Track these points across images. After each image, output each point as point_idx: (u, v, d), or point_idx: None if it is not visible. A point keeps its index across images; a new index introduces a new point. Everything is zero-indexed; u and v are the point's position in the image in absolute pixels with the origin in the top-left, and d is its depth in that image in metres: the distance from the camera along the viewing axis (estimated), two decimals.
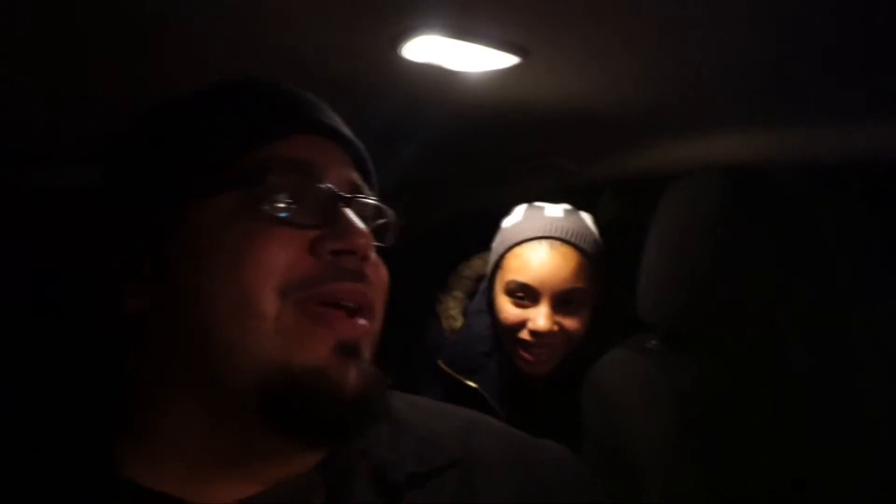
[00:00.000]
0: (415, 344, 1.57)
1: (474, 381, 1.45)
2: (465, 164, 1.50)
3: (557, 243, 1.33)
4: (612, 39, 0.84)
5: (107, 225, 0.60)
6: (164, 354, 0.57)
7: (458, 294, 1.53)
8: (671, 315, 1.13)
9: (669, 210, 1.16)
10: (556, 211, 1.38)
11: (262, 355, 0.53)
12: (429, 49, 0.85)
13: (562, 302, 1.32)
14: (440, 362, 1.47)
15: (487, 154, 1.42)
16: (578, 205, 1.45)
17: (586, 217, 1.40)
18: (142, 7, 0.74)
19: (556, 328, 1.32)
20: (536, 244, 1.33)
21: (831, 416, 1.07)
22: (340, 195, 0.59)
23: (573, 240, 1.33)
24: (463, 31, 0.81)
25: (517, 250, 1.35)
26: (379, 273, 0.61)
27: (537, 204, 1.42)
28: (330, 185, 0.59)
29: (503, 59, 0.89)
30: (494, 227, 1.45)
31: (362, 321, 0.57)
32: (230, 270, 0.53)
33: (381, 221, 0.65)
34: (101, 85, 0.96)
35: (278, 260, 0.54)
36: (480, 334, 1.46)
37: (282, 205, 0.56)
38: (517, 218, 1.41)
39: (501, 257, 1.39)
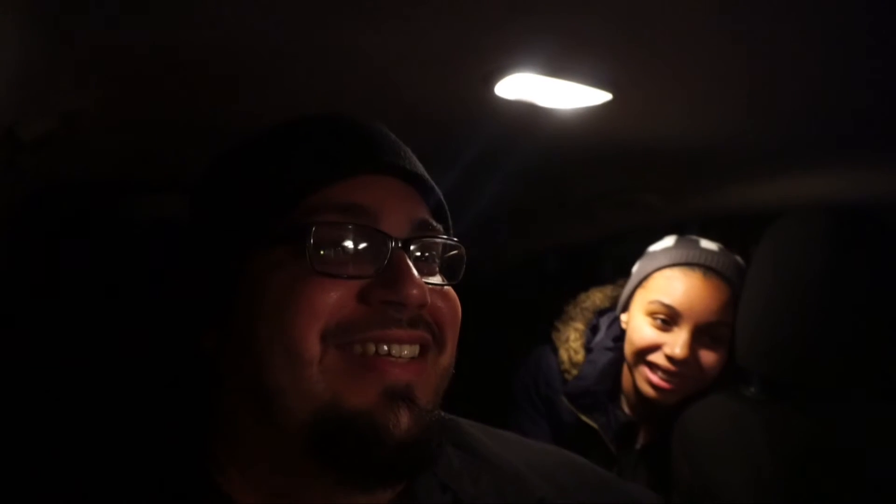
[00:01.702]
0: (516, 373, 1.55)
1: (593, 420, 1.40)
2: (554, 199, 1.50)
3: (712, 274, 1.28)
4: (703, 77, 0.84)
5: (184, 268, 0.63)
6: (231, 392, 0.59)
7: (580, 326, 1.48)
8: (769, 362, 1.08)
9: (770, 251, 1.12)
10: (711, 245, 1.34)
11: (310, 397, 0.54)
12: (522, 86, 0.87)
13: (703, 333, 1.26)
14: (563, 398, 1.43)
15: (576, 189, 1.42)
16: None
17: (738, 258, 1.35)
18: (243, 44, 0.78)
19: (691, 359, 1.26)
20: (690, 270, 1.30)
21: None
22: (394, 241, 0.57)
23: (728, 274, 1.28)
24: (555, 68, 0.82)
25: (668, 272, 1.32)
26: (447, 308, 0.59)
27: (690, 236, 1.38)
28: (383, 231, 0.57)
29: (594, 96, 0.90)
30: (583, 261, 1.44)
31: (415, 365, 0.56)
32: (277, 318, 0.54)
33: (450, 255, 0.63)
34: (202, 118, 1.02)
35: (320, 306, 0.54)
36: (604, 371, 1.41)
37: (325, 256, 0.55)
38: (669, 243, 1.37)
39: (647, 277, 1.35)
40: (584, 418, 1.40)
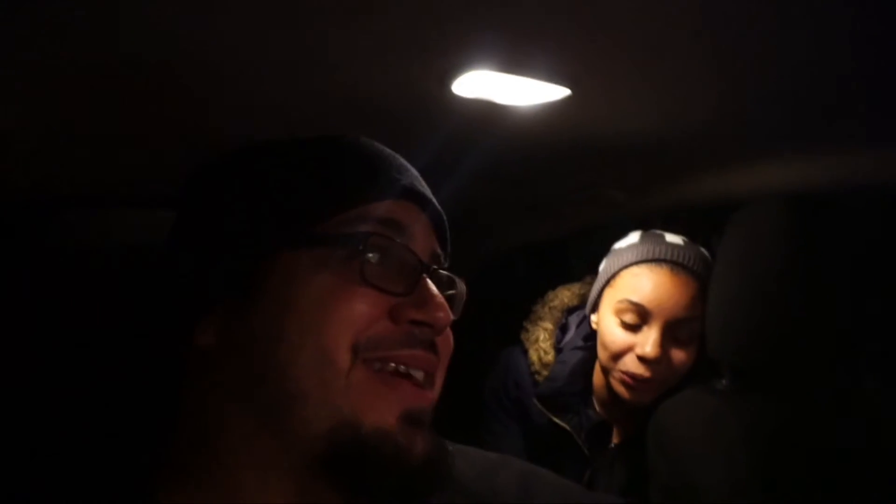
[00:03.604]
0: (485, 377, 1.52)
1: (566, 421, 1.38)
2: (517, 197, 1.49)
3: (679, 269, 1.26)
4: (663, 69, 0.83)
5: (186, 267, 0.61)
6: (224, 394, 0.57)
7: (549, 325, 1.46)
8: (740, 352, 1.08)
9: (735, 241, 1.12)
10: (677, 238, 1.33)
11: (333, 408, 0.53)
12: (478, 84, 0.85)
13: (674, 330, 1.25)
14: (535, 400, 1.40)
15: (537, 186, 1.40)
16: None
17: (703, 250, 1.33)
18: (201, 52, 0.76)
19: (663, 357, 1.24)
20: (657, 266, 1.27)
21: None
22: (425, 265, 0.60)
23: (695, 268, 1.27)
24: (512, 65, 0.80)
25: (635, 269, 1.29)
26: (447, 344, 0.62)
27: (655, 230, 1.37)
28: (417, 254, 0.60)
29: (553, 92, 0.88)
30: (546, 259, 1.43)
31: (428, 392, 0.58)
32: (312, 322, 0.54)
33: (451, 292, 0.66)
34: (165, 130, 0.98)
35: (358, 318, 0.55)
36: (575, 371, 1.39)
37: (371, 267, 0.57)
38: (634, 239, 1.36)
39: (614, 276, 1.33)
40: (556, 420, 1.38)
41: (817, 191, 1.24)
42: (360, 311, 0.55)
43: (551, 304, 1.50)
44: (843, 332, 1.03)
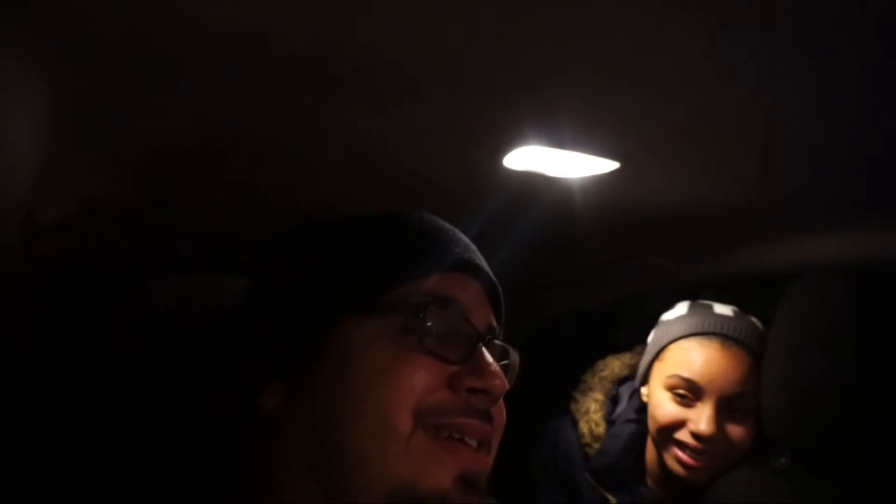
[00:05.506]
0: (533, 448, 1.48)
1: (618, 498, 1.33)
2: (563, 266, 1.50)
3: (730, 342, 1.23)
4: (709, 145, 0.84)
5: (255, 333, 0.64)
6: (287, 455, 0.59)
7: (599, 396, 1.42)
8: (799, 431, 1.04)
9: (789, 315, 1.09)
10: (726, 310, 1.30)
11: (392, 474, 0.55)
12: (529, 158, 0.89)
13: (728, 406, 1.20)
14: (586, 474, 1.36)
15: (587, 256, 1.42)
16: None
17: (755, 320, 1.30)
18: (279, 136, 0.81)
19: (718, 434, 1.19)
20: (706, 340, 1.24)
21: None
22: (481, 335, 0.63)
23: (747, 341, 1.23)
24: (562, 141, 0.83)
25: (684, 343, 1.26)
26: (501, 414, 0.64)
27: (703, 301, 1.34)
28: (473, 324, 0.63)
29: (601, 165, 0.91)
30: (594, 328, 1.42)
31: (484, 457, 0.60)
32: (373, 389, 0.57)
33: (505, 362, 0.68)
34: (243, 198, 1.04)
35: (418, 386, 0.57)
36: (628, 445, 1.34)
37: (430, 337, 0.59)
38: (682, 311, 1.33)
39: (663, 349, 1.30)
40: (608, 496, 1.33)
41: (871, 262, 1.22)
42: (421, 379, 0.58)
43: (601, 375, 1.45)
44: None
